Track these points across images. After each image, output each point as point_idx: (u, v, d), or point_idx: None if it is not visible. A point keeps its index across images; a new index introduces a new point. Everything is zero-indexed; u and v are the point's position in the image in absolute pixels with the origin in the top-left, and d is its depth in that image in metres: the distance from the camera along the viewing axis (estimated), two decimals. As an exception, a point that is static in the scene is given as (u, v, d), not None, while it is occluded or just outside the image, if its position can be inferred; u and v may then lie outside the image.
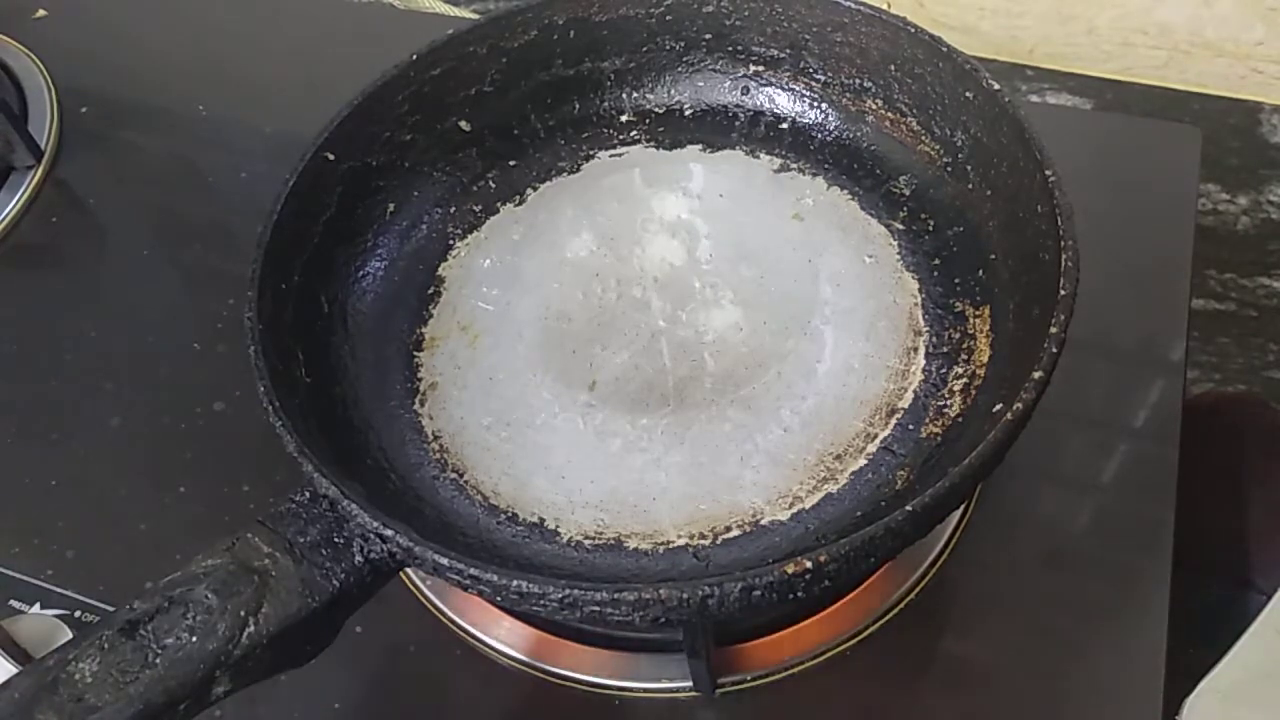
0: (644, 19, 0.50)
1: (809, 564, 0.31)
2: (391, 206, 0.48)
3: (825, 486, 0.40)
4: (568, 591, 0.32)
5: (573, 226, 0.48)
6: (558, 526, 0.40)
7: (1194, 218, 0.53)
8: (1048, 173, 0.39)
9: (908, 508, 0.32)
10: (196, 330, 0.54)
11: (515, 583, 0.32)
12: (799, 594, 0.32)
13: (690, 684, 0.41)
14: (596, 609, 0.32)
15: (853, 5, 0.47)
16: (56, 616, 0.44)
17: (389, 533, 0.34)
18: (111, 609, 0.45)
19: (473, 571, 0.33)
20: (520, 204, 0.50)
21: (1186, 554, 0.43)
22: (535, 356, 0.44)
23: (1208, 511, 0.48)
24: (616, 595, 0.31)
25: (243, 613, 0.33)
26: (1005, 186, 0.43)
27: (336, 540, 0.35)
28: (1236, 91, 0.68)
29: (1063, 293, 0.36)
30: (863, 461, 0.41)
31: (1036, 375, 0.34)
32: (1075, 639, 0.42)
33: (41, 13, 0.71)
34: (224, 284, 0.56)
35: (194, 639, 0.32)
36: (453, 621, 0.44)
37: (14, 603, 0.45)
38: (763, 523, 0.39)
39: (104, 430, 0.51)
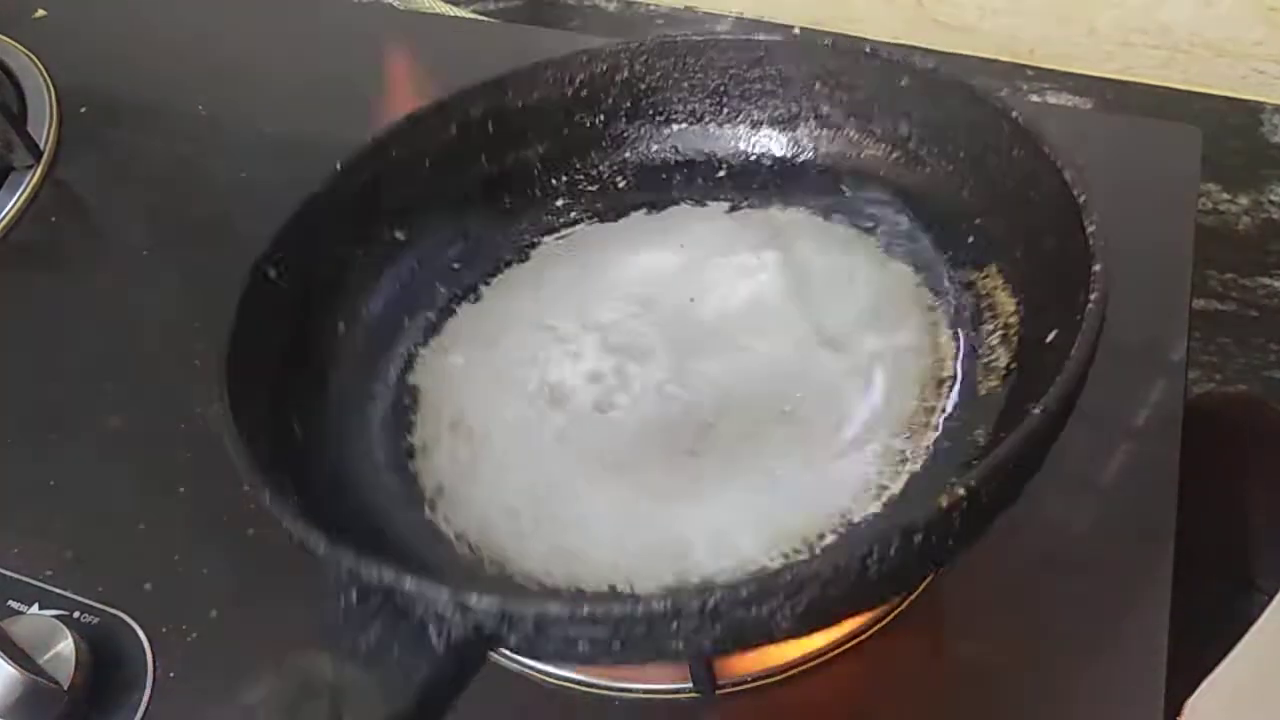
0: (560, 99, 0.48)
1: (961, 491, 0.29)
2: (342, 325, 0.45)
3: (906, 468, 0.38)
4: (750, 588, 0.27)
5: (540, 309, 0.46)
6: (633, 589, 0.36)
7: (1194, 218, 0.53)
8: (1014, 115, 0.40)
9: (1038, 409, 0.31)
10: (196, 331, 0.54)
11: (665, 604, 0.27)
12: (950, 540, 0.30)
13: (690, 684, 0.41)
14: (776, 605, 0.28)
15: (763, 38, 0.47)
16: (55, 617, 0.44)
17: (473, 598, 0.28)
18: (112, 610, 0.45)
19: (617, 611, 0.28)
20: (476, 301, 0.47)
21: (1187, 554, 0.43)
22: (545, 434, 0.42)
23: (1209, 511, 0.48)
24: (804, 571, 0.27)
25: None
26: (968, 153, 0.43)
27: (405, 632, 0.30)
28: (1237, 91, 0.68)
29: (1082, 198, 0.37)
30: (934, 434, 0.39)
31: (1094, 296, 0.36)
32: (1075, 639, 0.42)
33: (41, 13, 0.71)
34: (224, 284, 0.56)
35: None
36: (453, 622, 0.44)
37: (13, 603, 0.45)
38: (855, 520, 0.37)
39: (104, 430, 0.51)
